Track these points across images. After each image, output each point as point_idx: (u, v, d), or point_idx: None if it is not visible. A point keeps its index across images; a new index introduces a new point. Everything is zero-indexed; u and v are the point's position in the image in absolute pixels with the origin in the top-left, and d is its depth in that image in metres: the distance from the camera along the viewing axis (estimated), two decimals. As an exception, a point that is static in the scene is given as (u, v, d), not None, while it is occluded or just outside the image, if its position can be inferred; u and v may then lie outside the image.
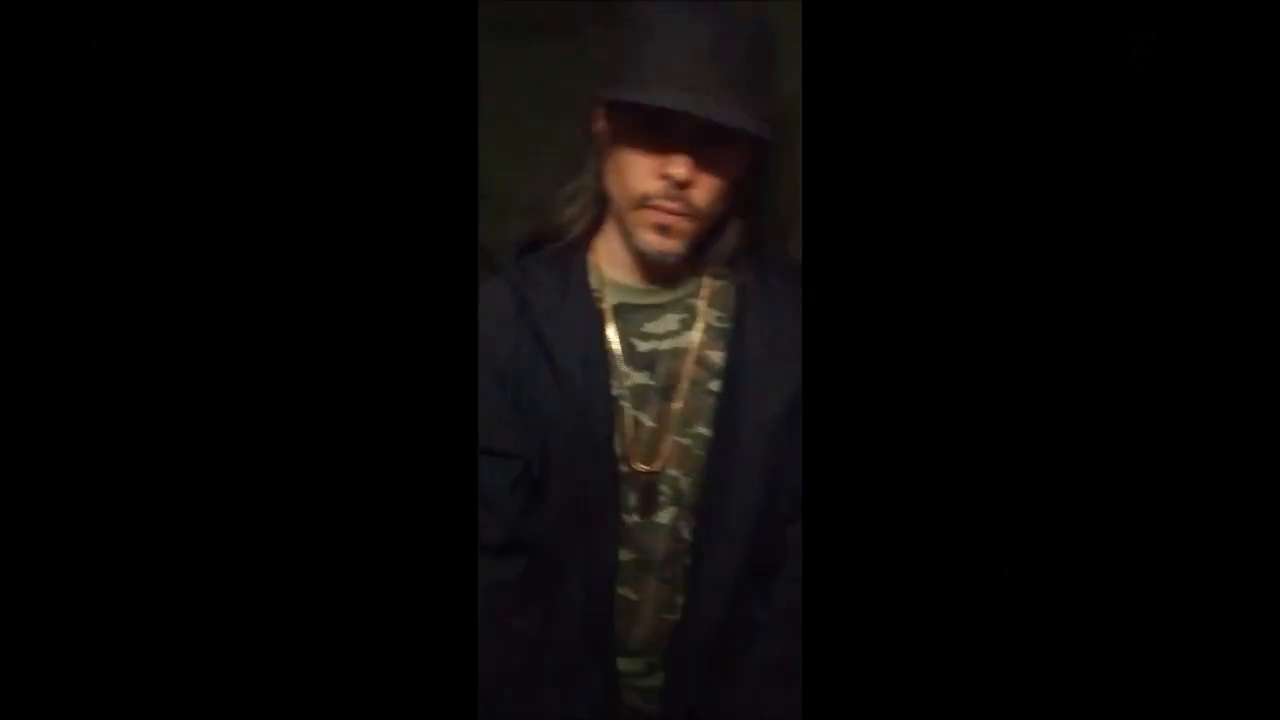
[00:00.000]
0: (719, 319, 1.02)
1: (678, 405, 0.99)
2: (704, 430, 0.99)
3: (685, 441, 0.99)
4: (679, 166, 0.90)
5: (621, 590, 0.99)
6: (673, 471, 0.99)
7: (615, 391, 0.98)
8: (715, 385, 1.00)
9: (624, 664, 1.00)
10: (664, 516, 0.99)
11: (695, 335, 1.01)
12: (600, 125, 0.97)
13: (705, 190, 0.93)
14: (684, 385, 0.99)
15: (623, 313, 1.01)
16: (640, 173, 0.93)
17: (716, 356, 1.01)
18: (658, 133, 0.91)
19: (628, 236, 0.98)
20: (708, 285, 1.02)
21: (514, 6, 2.03)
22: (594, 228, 1.02)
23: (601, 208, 1.01)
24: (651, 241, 0.95)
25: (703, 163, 0.92)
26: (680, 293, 1.03)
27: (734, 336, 1.00)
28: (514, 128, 2.13)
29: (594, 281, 1.01)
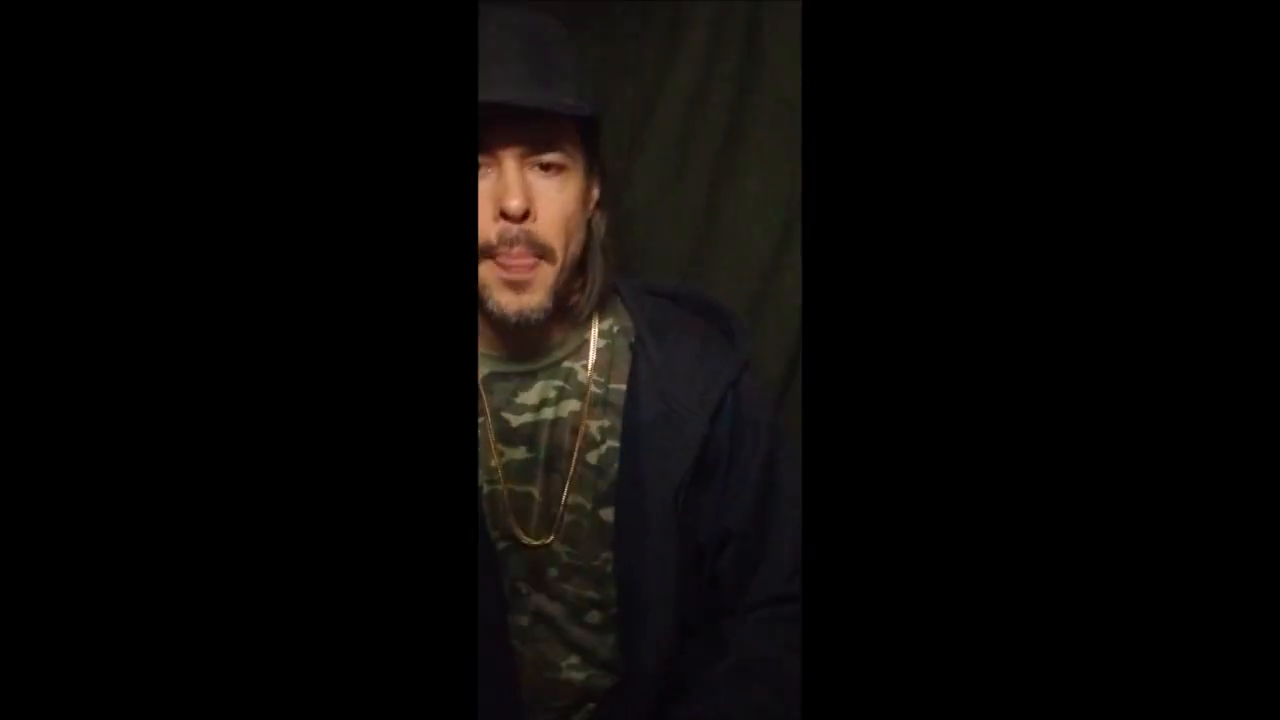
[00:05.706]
0: (596, 383, 0.95)
1: (558, 477, 0.94)
2: (587, 503, 0.94)
3: (573, 517, 0.94)
4: (513, 197, 0.84)
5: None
6: (562, 547, 0.94)
7: (483, 473, 0.92)
8: (592, 458, 0.94)
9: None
10: (566, 587, 0.95)
11: (574, 403, 0.94)
12: None
13: (546, 223, 0.86)
14: (565, 459, 0.94)
15: (491, 383, 0.94)
16: (481, 221, 0.85)
17: (599, 427, 0.94)
18: (487, 152, 0.85)
19: (482, 302, 0.88)
20: (589, 344, 0.96)
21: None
22: None
23: None
24: (506, 302, 0.87)
25: (535, 189, 0.86)
26: (554, 356, 0.95)
27: (626, 400, 0.94)
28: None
29: None
